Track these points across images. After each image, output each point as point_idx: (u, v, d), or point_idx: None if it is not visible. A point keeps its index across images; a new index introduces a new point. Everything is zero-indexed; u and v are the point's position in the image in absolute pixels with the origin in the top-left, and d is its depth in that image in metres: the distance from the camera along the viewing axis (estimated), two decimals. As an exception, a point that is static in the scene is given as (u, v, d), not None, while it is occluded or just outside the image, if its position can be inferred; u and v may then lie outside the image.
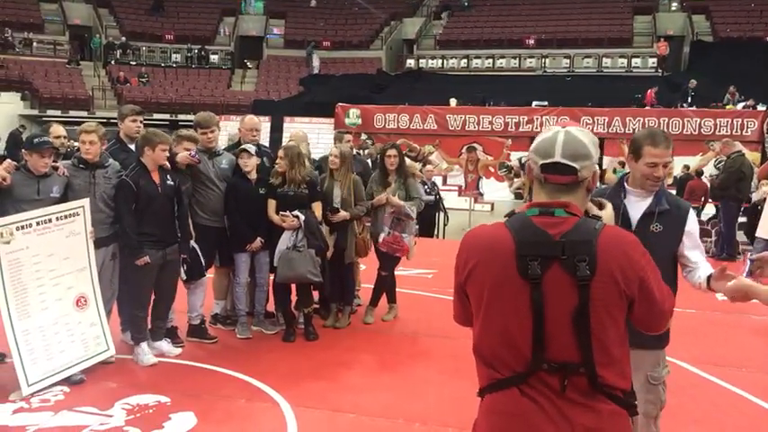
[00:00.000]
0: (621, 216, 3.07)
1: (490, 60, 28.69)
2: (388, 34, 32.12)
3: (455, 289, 2.06)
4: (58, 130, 6.07)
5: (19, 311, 4.68)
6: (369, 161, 9.17)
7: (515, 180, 17.87)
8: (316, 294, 6.47)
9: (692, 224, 3.14)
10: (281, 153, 6.02)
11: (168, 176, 5.36)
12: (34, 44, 29.27)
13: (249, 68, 31.43)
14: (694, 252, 3.15)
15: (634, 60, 27.38)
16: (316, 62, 29.98)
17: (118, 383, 4.95)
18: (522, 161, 16.70)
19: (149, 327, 5.55)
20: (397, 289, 6.84)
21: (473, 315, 2.01)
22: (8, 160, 5.13)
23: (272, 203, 5.95)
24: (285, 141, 10.03)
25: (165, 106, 26.58)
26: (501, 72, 27.95)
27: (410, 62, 30.05)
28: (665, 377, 3.20)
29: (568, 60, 27.94)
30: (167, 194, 5.32)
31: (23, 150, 5.06)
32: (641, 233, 2.97)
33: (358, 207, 6.29)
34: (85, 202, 5.07)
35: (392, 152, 6.53)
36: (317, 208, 6.07)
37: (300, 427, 4.32)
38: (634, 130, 18.36)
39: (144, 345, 5.40)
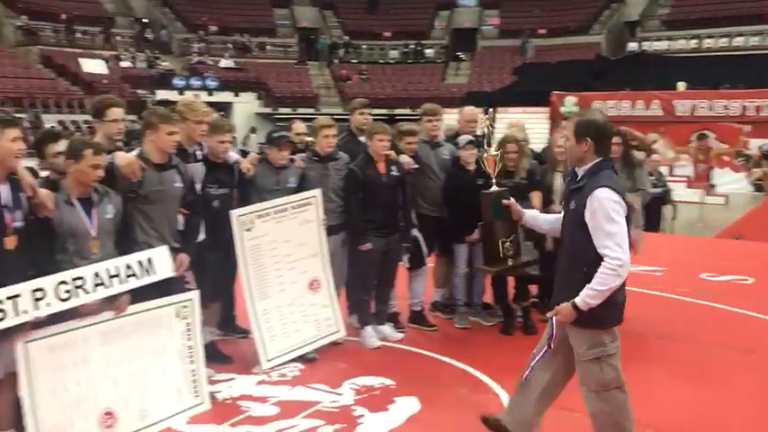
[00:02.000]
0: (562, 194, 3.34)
1: (725, 39, 26.14)
2: (609, 17, 30.60)
3: None
4: (300, 126, 6.53)
5: (259, 292, 5.11)
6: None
7: (755, 170, 16.12)
8: (534, 289, 6.32)
9: (594, 204, 3.10)
10: (504, 147, 5.93)
11: (393, 167, 5.54)
12: (267, 47, 31.98)
13: (463, 60, 31.65)
14: (595, 235, 3.09)
15: None
16: (531, 51, 29.46)
17: (346, 364, 5.22)
18: (765, 149, 15.01)
19: (373, 311, 5.79)
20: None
21: None
22: (252, 153, 5.63)
23: (489, 194, 5.89)
24: (497, 132, 9.89)
25: (383, 101, 27.53)
26: (738, 51, 25.34)
27: (632, 45, 28.31)
28: (592, 356, 3.41)
29: (820, 35, 24.65)
30: (391, 184, 5.52)
31: (265, 144, 5.52)
32: (565, 210, 3.39)
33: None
34: (318, 192, 5.39)
35: (617, 140, 6.16)
36: (536, 197, 5.93)
37: (523, 421, 4.22)
38: None
39: (369, 328, 5.63)
